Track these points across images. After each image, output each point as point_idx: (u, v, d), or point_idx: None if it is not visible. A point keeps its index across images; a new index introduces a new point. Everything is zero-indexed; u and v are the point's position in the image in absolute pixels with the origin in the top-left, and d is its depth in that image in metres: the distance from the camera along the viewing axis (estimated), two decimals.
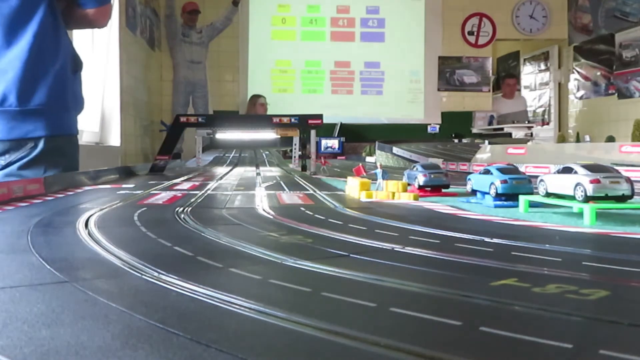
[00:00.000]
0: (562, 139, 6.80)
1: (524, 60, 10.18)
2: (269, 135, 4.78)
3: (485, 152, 5.70)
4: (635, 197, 1.63)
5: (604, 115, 8.04)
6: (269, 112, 8.02)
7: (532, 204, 1.89)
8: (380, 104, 8.95)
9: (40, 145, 2.43)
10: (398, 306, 0.72)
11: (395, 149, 6.49)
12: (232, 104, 8.69)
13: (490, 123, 7.95)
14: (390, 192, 2.32)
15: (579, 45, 8.45)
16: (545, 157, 4.76)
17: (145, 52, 7.20)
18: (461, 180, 2.84)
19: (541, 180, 1.83)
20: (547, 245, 1.21)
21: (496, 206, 1.98)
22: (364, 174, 3.01)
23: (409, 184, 2.44)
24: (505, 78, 8.94)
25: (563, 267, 0.99)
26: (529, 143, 6.44)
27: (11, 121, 2.31)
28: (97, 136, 5.57)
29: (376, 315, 0.70)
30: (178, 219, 1.65)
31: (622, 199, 1.61)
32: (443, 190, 2.50)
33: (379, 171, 2.45)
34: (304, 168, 4.63)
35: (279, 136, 4.72)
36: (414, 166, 2.60)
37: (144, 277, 0.89)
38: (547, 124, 8.75)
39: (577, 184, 1.61)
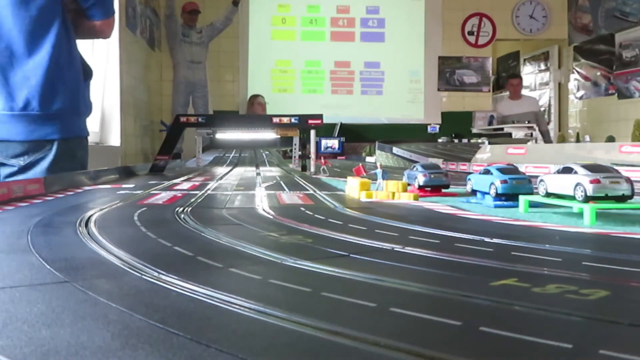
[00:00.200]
0: (562, 139, 6.80)
1: (524, 60, 10.19)
2: (269, 135, 4.78)
3: (485, 152, 5.70)
4: (635, 197, 1.63)
5: (604, 115, 8.04)
6: (268, 112, 8.02)
7: (532, 204, 1.89)
8: (380, 104, 8.95)
9: (56, 146, 2.60)
10: (398, 306, 0.72)
11: (395, 149, 6.49)
12: (232, 104, 8.69)
13: (490, 123, 7.92)
14: (390, 192, 2.32)
15: (579, 45, 8.45)
16: (545, 157, 4.76)
17: (145, 52, 7.20)
18: (461, 180, 2.84)
19: (541, 180, 1.83)
20: (547, 245, 1.21)
21: (496, 206, 1.98)
22: (364, 174, 3.01)
23: (409, 184, 2.44)
24: (509, 78, 8.63)
25: (563, 267, 1.00)
26: (529, 143, 6.43)
27: (32, 124, 2.47)
28: (97, 136, 5.57)
29: (376, 315, 0.70)
30: (178, 219, 1.65)
31: (622, 199, 1.61)
32: (443, 190, 2.50)
33: (379, 171, 2.45)
34: (304, 168, 4.63)
35: (279, 136, 4.72)
36: (414, 166, 2.60)
37: (144, 277, 0.89)
38: (547, 124, 8.73)
39: (577, 184, 1.61)
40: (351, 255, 1.09)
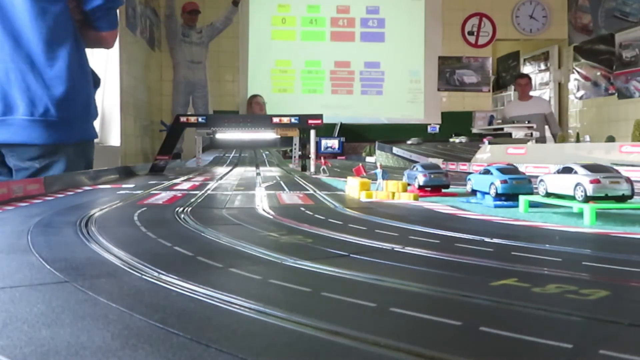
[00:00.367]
0: (562, 139, 6.78)
1: (524, 60, 10.19)
2: (269, 135, 4.78)
3: (485, 152, 5.70)
4: (635, 197, 1.63)
5: (604, 115, 8.04)
6: (268, 112, 8.02)
7: (532, 204, 1.89)
8: (380, 104, 8.95)
9: (70, 150, 2.79)
10: (398, 306, 0.72)
11: (395, 149, 6.49)
12: (232, 104, 8.69)
13: (490, 123, 7.91)
14: (390, 192, 2.32)
15: (579, 45, 8.45)
16: (545, 157, 4.76)
17: (145, 52, 7.20)
18: (461, 180, 2.84)
19: (541, 180, 1.83)
20: (547, 245, 1.21)
21: (496, 206, 1.98)
22: (364, 174, 3.01)
23: (409, 184, 2.44)
24: (517, 78, 8.40)
25: (563, 267, 1.00)
26: (529, 143, 6.42)
27: (49, 129, 2.63)
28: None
29: (376, 315, 0.70)
30: (178, 219, 1.65)
31: (622, 199, 1.61)
32: (443, 190, 2.50)
33: (379, 171, 2.45)
34: (304, 168, 4.63)
35: (279, 136, 4.72)
36: (414, 166, 2.60)
37: (144, 277, 0.89)
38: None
39: (577, 184, 1.61)
40: (351, 255, 1.09)
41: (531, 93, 8.45)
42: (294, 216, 1.73)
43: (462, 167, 4.93)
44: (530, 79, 8.46)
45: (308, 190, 2.76)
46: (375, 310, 0.71)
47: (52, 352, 0.55)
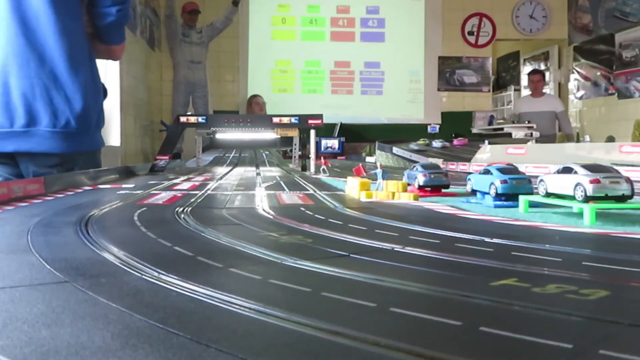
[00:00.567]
0: (562, 139, 6.77)
1: (524, 60, 10.18)
2: (269, 135, 4.78)
3: (485, 152, 5.70)
4: (635, 197, 1.63)
5: (604, 115, 8.04)
6: (268, 112, 8.02)
7: (532, 204, 1.89)
8: (380, 104, 8.95)
9: (84, 157, 3.00)
10: (398, 306, 0.72)
11: (395, 149, 6.48)
12: (232, 104, 8.68)
13: (490, 123, 7.90)
14: (390, 192, 2.32)
15: (579, 45, 8.44)
16: (545, 157, 4.76)
17: (145, 52, 7.20)
18: (461, 180, 2.84)
19: (541, 180, 1.83)
20: (547, 245, 1.21)
21: (496, 206, 1.98)
22: (364, 174, 3.01)
23: (409, 184, 2.44)
24: (529, 74, 8.26)
25: (563, 267, 1.00)
26: (529, 143, 6.41)
27: (69, 139, 2.81)
28: None
29: (376, 315, 0.70)
30: (178, 219, 1.65)
31: (622, 199, 1.61)
32: (443, 190, 2.50)
33: (379, 171, 2.45)
34: (304, 168, 4.63)
35: (279, 136, 4.72)
36: (414, 166, 2.60)
37: (144, 277, 0.89)
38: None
39: (577, 184, 1.61)
40: (351, 255, 1.09)
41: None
42: (294, 216, 1.73)
43: (462, 167, 4.93)
44: (543, 75, 8.30)
45: (308, 190, 2.76)
46: (375, 310, 0.71)
47: (52, 352, 0.55)
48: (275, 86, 8.84)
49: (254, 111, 8.20)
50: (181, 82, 8.12)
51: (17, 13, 2.66)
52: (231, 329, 0.63)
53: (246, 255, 1.11)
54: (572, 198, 1.65)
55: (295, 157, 5.13)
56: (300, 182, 3.29)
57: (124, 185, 2.95)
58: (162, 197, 2.33)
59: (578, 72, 8.53)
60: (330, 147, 7.75)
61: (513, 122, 7.62)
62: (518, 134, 7.06)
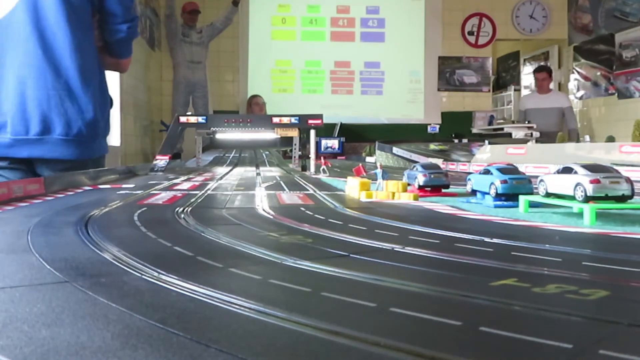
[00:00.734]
0: (562, 139, 6.77)
1: (524, 60, 10.18)
2: (269, 135, 4.78)
3: (485, 152, 5.70)
4: (635, 197, 1.63)
5: (604, 115, 8.04)
6: (268, 112, 8.02)
7: (532, 204, 1.89)
8: (380, 104, 8.95)
9: (92, 163, 3.20)
10: (398, 306, 0.72)
11: (395, 149, 6.48)
12: (232, 104, 8.69)
13: (490, 123, 7.90)
14: (390, 192, 2.32)
15: (579, 45, 8.45)
16: (545, 157, 4.76)
17: (145, 52, 7.20)
18: (461, 180, 2.84)
19: (541, 180, 1.84)
20: (547, 245, 1.21)
21: (496, 206, 1.98)
22: (364, 174, 3.01)
23: (409, 184, 2.44)
24: (535, 72, 8.14)
25: (563, 267, 1.00)
26: (529, 143, 6.41)
27: (80, 147, 2.99)
28: None
29: (376, 315, 0.70)
30: (178, 219, 1.65)
31: (622, 199, 1.61)
32: (443, 190, 2.50)
33: (379, 171, 2.45)
34: (304, 168, 4.63)
35: (279, 136, 4.72)
36: (414, 166, 2.60)
37: (144, 277, 0.89)
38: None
39: (577, 184, 1.61)
40: (351, 255, 1.09)
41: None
42: (294, 216, 1.73)
43: (462, 167, 4.93)
44: (549, 72, 8.13)
45: (308, 190, 2.76)
46: (375, 310, 0.71)
47: (52, 352, 0.55)
48: (275, 86, 8.84)
49: (253, 111, 8.20)
50: (181, 82, 8.12)
51: (35, 29, 2.83)
52: (231, 329, 0.63)
53: (246, 255, 1.11)
54: (572, 198, 1.65)
55: (295, 157, 5.13)
56: (300, 182, 3.29)
57: (124, 185, 2.95)
58: (162, 197, 2.33)
59: (578, 72, 8.53)
60: (330, 147, 7.75)
61: (519, 120, 7.53)
62: (518, 134, 7.06)
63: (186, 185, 3.00)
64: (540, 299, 0.77)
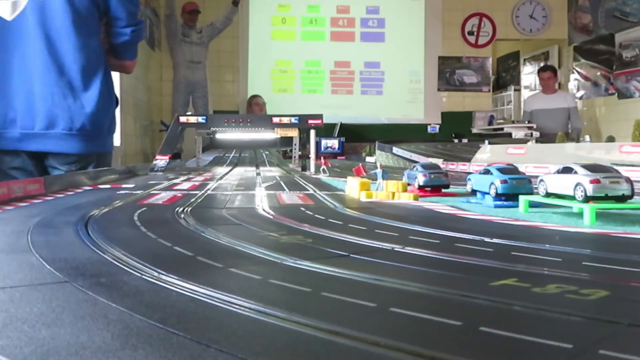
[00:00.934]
0: (562, 139, 6.75)
1: (524, 60, 10.18)
2: (269, 135, 4.78)
3: (485, 152, 5.70)
4: (635, 197, 1.63)
5: (604, 115, 8.04)
6: (268, 112, 8.02)
7: (532, 204, 1.89)
8: (380, 104, 8.95)
9: (97, 158, 3.34)
10: (398, 306, 0.72)
11: (395, 149, 6.48)
12: (232, 104, 8.68)
13: (490, 123, 7.89)
14: (390, 192, 2.32)
15: (579, 45, 8.44)
16: (545, 157, 4.76)
17: (145, 52, 7.19)
18: (461, 180, 2.84)
19: (541, 180, 1.83)
20: (547, 245, 1.21)
21: (496, 206, 1.98)
22: (364, 174, 3.01)
23: (409, 184, 2.44)
24: (539, 72, 7.93)
25: (563, 267, 1.00)
26: (529, 143, 6.40)
27: (84, 142, 3.16)
28: None
29: (376, 315, 0.70)
30: (178, 218, 1.65)
31: (622, 199, 1.61)
32: (443, 190, 2.50)
33: (379, 171, 2.45)
34: (303, 168, 4.63)
35: (279, 136, 4.72)
36: (414, 166, 2.60)
37: (144, 277, 0.89)
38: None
39: (577, 184, 1.61)
40: (351, 255, 1.09)
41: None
42: (294, 216, 1.73)
43: (462, 167, 4.93)
44: (555, 71, 7.93)
45: (308, 190, 2.76)
46: (375, 310, 0.71)
47: (52, 352, 0.55)
48: (275, 86, 8.84)
49: (253, 111, 8.20)
50: (181, 82, 8.12)
51: (42, 32, 3.04)
52: (231, 329, 0.63)
53: (246, 255, 1.11)
54: (572, 198, 1.65)
55: (295, 157, 5.13)
56: (300, 182, 3.29)
57: (124, 185, 2.95)
58: (162, 197, 2.33)
59: (578, 72, 8.52)
60: (330, 147, 7.75)
61: (524, 121, 7.41)
62: (518, 134, 7.06)
63: (186, 185, 3.00)
64: (540, 299, 0.77)
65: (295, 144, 4.94)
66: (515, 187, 1.95)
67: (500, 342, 0.59)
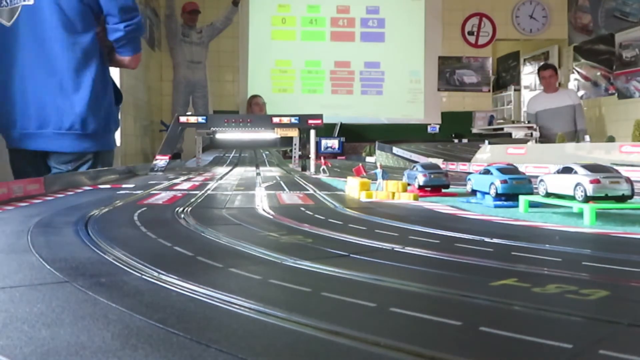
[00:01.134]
0: (562, 139, 6.75)
1: (524, 60, 10.18)
2: (269, 135, 4.78)
3: (485, 152, 5.70)
4: (635, 197, 1.63)
5: (604, 115, 8.04)
6: (268, 112, 8.02)
7: (532, 204, 1.89)
8: (380, 104, 8.95)
9: (93, 157, 3.34)
10: (398, 306, 0.72)
11: (395, 149, 6.48)
12: (232, 104, 8.68)
13: (490, 123, 7.89)
14: (390, 192, 2.32)
15: (579, 45, 8.45)
16: (545, 157, 4.76)
17: (145, 52, 7.17)
18: (461, 180, 2.84)
19: (541, 180, 1.83)
20: (547, 245, 1.21)
21: (496, 206, 1.98)
22: (364, 174, 3.01)
23: (409, 184, 2.44)
24: (539, 70, 7.66)
25: (563, 267, 1.00)
26: (529, 143, 6.40)
27: (75, 140, 3.20)
28: None
29: (376, 315, 0.70)
30: (178, 219, 1.65)
31: (622, 199, 1.61)
32: (443, 190, 2.50)
33: (379, 171, 2.45)
34: (304, 168, 4.63)
35: (279, 136, 4.72)
36: (414, 166, 2.60)
37: (144, 277, 0.89)
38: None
39: (577, 184, 1.61)
40: (351, 255, 1.09)
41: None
42: (294, 216, 1.73)
43: (462, 167, 4.93)
44: (555, 69, 7.69)
45: (308, 190, 2.76)
46: (375, 310, 0.71)
47: (52, 352, 0.55)
48: (275, 86, 8.84)
49: (253, 111, 8.20)
50: (181, 82, 8.12)
51: (35, 35, 3.12)
52: (231, 329, 0.63)
53: (246, 255, 1.11)
54: (572, 198, 1.65)
55: (295, 157, 5.13)
56: (300, 182, 3.29)
57: (124, 185, 2.95)
58: (162, 197, 2.33)
59: (578, 72, 8.53)
60: (330, 147, 7.75)
61: (530, 124, 7.26)
62: (518, 134, 7.06)
63: (186, 185, 3.00)
64: (540, 299, 0.77)
65: (295, 144, 4.94)
66: (515, 187, 1.95)
67: (500, 342, 0.59)
